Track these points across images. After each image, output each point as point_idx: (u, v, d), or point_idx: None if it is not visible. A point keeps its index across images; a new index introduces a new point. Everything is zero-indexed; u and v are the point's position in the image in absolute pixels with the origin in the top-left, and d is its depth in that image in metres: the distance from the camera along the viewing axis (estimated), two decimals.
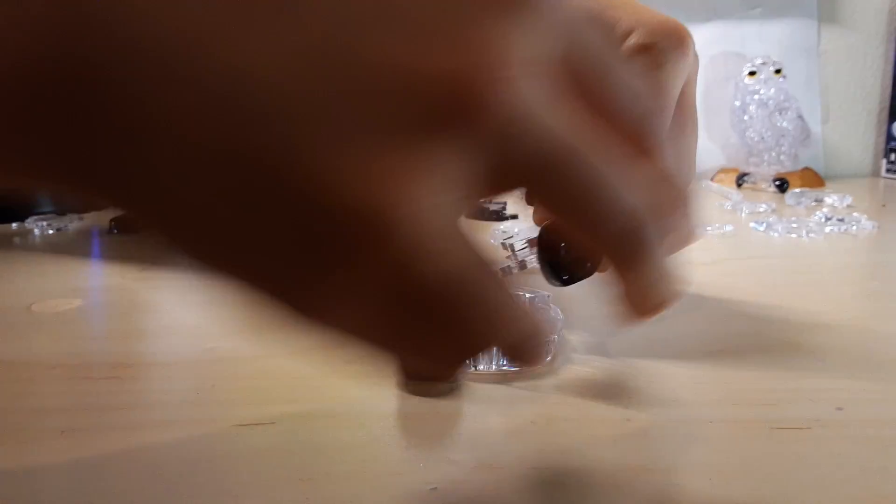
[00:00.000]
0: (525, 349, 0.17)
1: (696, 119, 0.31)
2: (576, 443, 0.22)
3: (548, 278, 0.26)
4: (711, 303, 0.37)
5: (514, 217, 0.66)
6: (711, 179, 0.97)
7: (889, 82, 1.04)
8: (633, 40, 0.29)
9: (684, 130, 0.31)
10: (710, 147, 1.05)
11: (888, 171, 1.03)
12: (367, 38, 0.13)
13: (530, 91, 0.14)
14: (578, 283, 0.27)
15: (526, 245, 0.29)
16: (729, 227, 0.59)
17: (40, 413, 0.24)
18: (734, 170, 0.95)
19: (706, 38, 1.04)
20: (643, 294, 0.18)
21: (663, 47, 0.29)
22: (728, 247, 0.53)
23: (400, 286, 0.15)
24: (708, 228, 0.58)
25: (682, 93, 0.30)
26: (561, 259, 0.26)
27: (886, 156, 1.04)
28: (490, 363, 0.27)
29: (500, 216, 0.66)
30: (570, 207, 0.16)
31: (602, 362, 0.28)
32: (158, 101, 0.13)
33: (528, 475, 0.20)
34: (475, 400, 0.25)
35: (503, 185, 0.16)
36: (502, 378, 0.27)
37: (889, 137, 1.03)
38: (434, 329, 0.16)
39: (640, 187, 0.17)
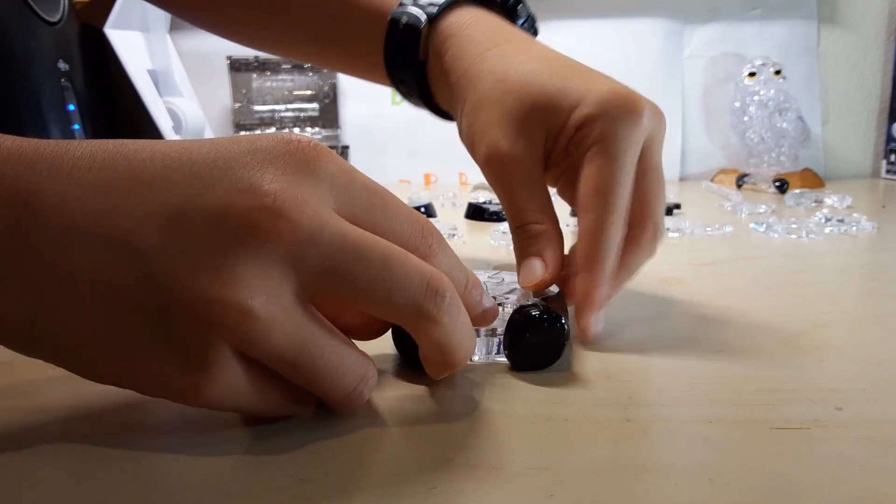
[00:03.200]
0: (352, 397, 0.22)
1: (661, 176, 0.32)
2: (576, 443, 0.22)
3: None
4: (712, 303, 0.37)
5: None
6: (712, 180, 0.97)
7: (889, 83, 1.04)
8: (582, 111, 0.31)
9: (648, 190, 0.32)
10: (710, 148, 1.05)
11: (888, 171, 1.03)
12: (198, 197, 0.20)
13: (317, 219, 0.20)
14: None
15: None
16: (729, 228, 0.59)
17: (40, 413, 0.24)
18: (734, 171, 0.95)
19: (706, 39, 1.04)
20: (432, 356, 0.24)
21: (614, 116, 0.30)
22: (728, 247, 0.53)
23: (257, 356, 0.20)
24: (708, 229, 0.58)
25: (644, 155, 0.31)
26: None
27: (886, 157, 1.04)
28: (486, 355, 0.28)
29: (499, 217, 0.66)
30: (363, 290, 0.21)
31: (602, 363, 0.28)
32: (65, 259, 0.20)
33: (528, 475, 0.20)
34: (475, 400, 0.25)
35: (321, 286, 0.21)
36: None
37: (889, 138, 1.03)
38: (299, 381, 0.21)
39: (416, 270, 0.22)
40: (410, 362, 0.27)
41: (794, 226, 0.57)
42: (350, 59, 0.44)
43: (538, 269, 0.30)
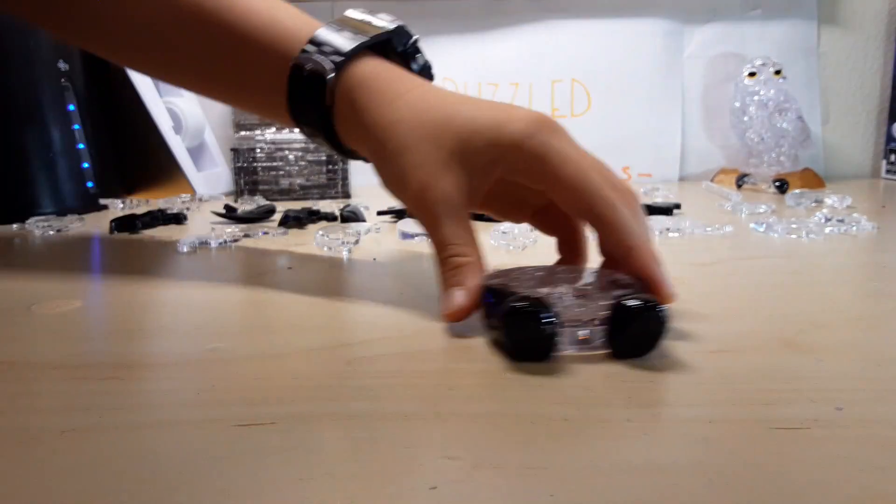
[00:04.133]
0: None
1: None
2: (576, 443, 0.22)
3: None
4: (711, 303, 0.37)
5: None
6: (712, 180, 0.97)
7: (889, 83, 1.04)
8: (515, 130, 0.34)
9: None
10: (710, 148, 1.05)
11: (888, 171, 1.03)
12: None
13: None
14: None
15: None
16: (729, 228, 0.59)
17: (40, 413, 0.24)
18: (734, 171, 0.95)
19: (706, 39, 1.04)
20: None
21: (547, 128, 0.34)
22: (728, 247, 0.53)
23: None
24: (708, 229, 0.58)
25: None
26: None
27: (886, 157, 1.04)
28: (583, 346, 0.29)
29: None
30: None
31: (603, 363, 0.28)
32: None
33: (528, 475, 0.20)
34: (475, 399, 0.25)
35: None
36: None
37: (889, 138, 1.03)
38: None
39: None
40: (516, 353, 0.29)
41: (794, 226, 0.57)
42: (246, 98, 0.44)
43: (460, 297, 0.32)
